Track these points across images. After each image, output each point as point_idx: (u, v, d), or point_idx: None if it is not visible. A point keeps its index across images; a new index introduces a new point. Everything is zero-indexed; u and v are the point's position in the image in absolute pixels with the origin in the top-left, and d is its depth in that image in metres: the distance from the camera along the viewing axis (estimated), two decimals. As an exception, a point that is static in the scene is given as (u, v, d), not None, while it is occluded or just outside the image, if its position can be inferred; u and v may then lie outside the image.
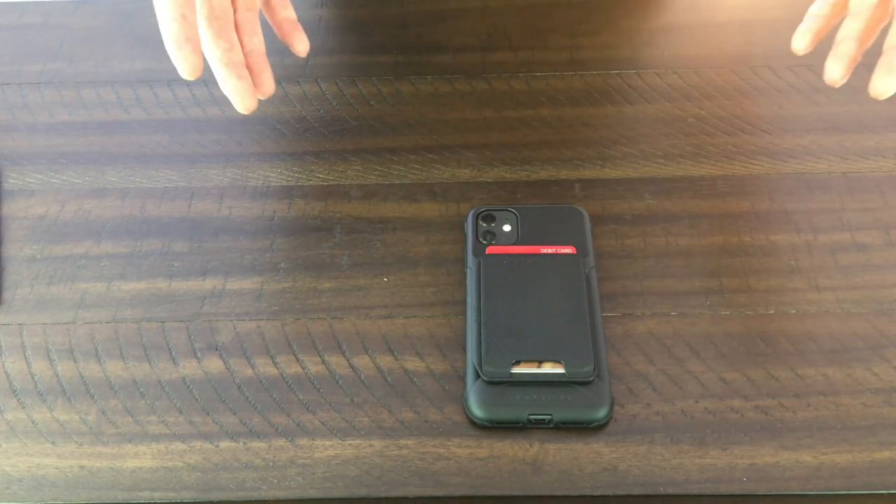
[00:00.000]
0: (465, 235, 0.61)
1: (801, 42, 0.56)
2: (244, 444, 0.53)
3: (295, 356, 0.57)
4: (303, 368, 0.56)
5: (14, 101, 0.72)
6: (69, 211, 0.64)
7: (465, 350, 0.56)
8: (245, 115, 0.70)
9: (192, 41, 0.54)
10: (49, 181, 0.66)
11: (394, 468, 0.52)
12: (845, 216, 0.63)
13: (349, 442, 0.53)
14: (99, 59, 0.75)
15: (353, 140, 0.69)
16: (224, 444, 0.53)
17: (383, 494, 0.51)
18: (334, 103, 0.70)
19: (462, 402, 0.54)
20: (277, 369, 0.56)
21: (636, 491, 0.51)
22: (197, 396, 0.55)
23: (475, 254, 0.59)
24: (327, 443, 0.53)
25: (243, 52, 0.57)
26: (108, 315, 0.59)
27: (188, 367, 0.56)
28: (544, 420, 0.53)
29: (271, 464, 0.52)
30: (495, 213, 0.61)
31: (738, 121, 0.68)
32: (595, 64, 0.72)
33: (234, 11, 0.57)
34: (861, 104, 0.69)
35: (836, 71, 0.54)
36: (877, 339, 0.57)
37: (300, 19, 0.60)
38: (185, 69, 0.54)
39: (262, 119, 0.70)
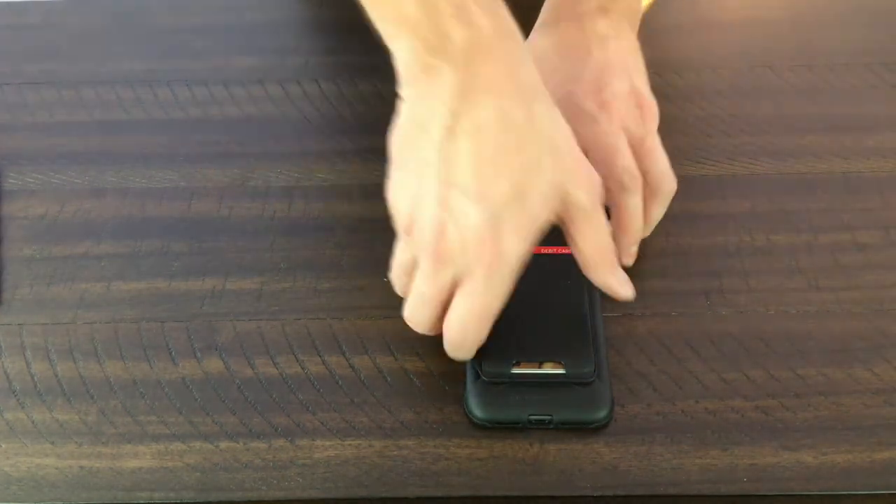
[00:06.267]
0: (465, 235, 0.61)
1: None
2: (244, 444, 0.53)
3: (295, 356, 0.57)
4: (303, 368, 0.56)
5: (14, 101, 0.72)
6: (69, 211, 0.64)
7: (465, 350, 0.56)
8: (245, 115, 0.70)
9: None
10: (49, 181, 0.66)
11: (394, 468, 0.52)
12: (845, 216, 0.63)
13: (349, 442, 0.53)
14: (99, 59, 0.74)
15: (353, 140, 0.69)
16: (224, 444, 0.53)
17: (383, 494, 0.51)
18: (334, 103, 0.70)
19: (462, 402, 0.54)
20: (277, 369, 0.56)
21: (636, 491, 0.51)
22: (197, 396, 0.55)
23: (475, 254, 0.59)
24: (327, 443, 0.53)
25: None
26: (108, 315, 0.59)
27: (188, 367, 0.56)
28: (544, 421, 0.52)
29: (271, 464, 0.52)
30: (495, 213, 0.61)
31: (738, 121, 0.68)
32: (595, 64, 0.71)
33: None
34: (861, 104, 0.69)
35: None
36: (877, 339, 0.57)
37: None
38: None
39: (262, 119, 0.70)
